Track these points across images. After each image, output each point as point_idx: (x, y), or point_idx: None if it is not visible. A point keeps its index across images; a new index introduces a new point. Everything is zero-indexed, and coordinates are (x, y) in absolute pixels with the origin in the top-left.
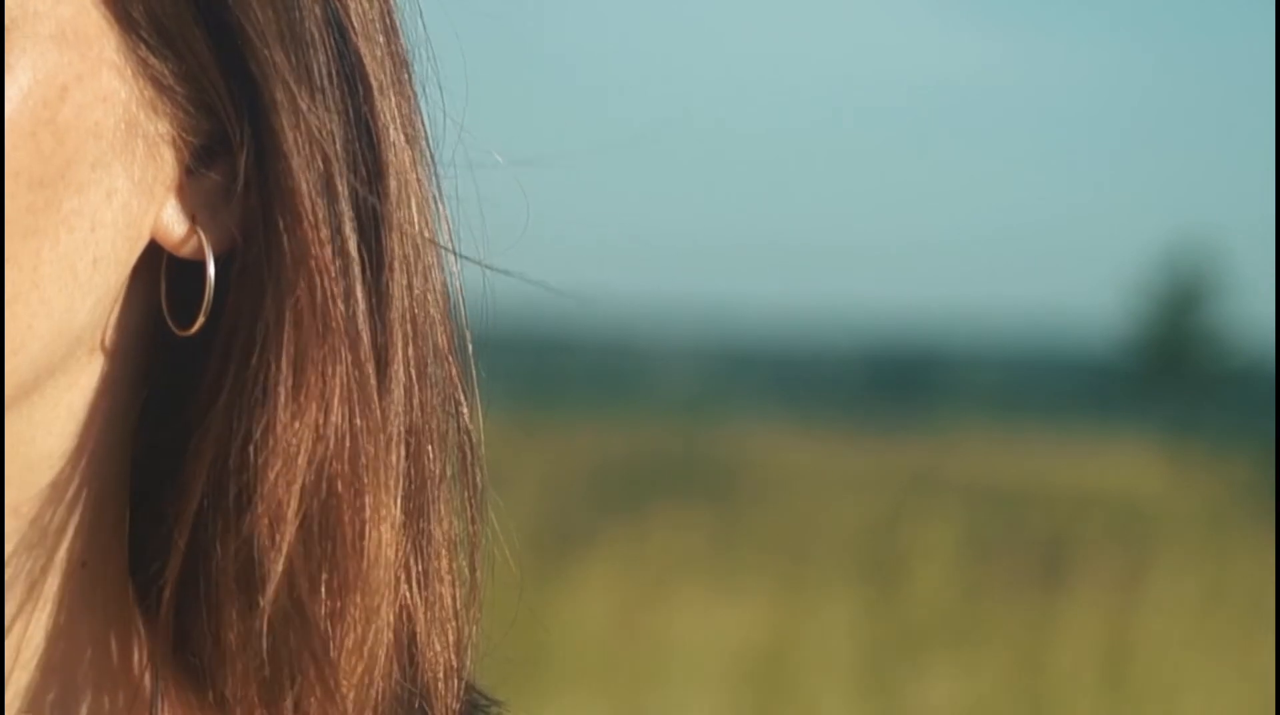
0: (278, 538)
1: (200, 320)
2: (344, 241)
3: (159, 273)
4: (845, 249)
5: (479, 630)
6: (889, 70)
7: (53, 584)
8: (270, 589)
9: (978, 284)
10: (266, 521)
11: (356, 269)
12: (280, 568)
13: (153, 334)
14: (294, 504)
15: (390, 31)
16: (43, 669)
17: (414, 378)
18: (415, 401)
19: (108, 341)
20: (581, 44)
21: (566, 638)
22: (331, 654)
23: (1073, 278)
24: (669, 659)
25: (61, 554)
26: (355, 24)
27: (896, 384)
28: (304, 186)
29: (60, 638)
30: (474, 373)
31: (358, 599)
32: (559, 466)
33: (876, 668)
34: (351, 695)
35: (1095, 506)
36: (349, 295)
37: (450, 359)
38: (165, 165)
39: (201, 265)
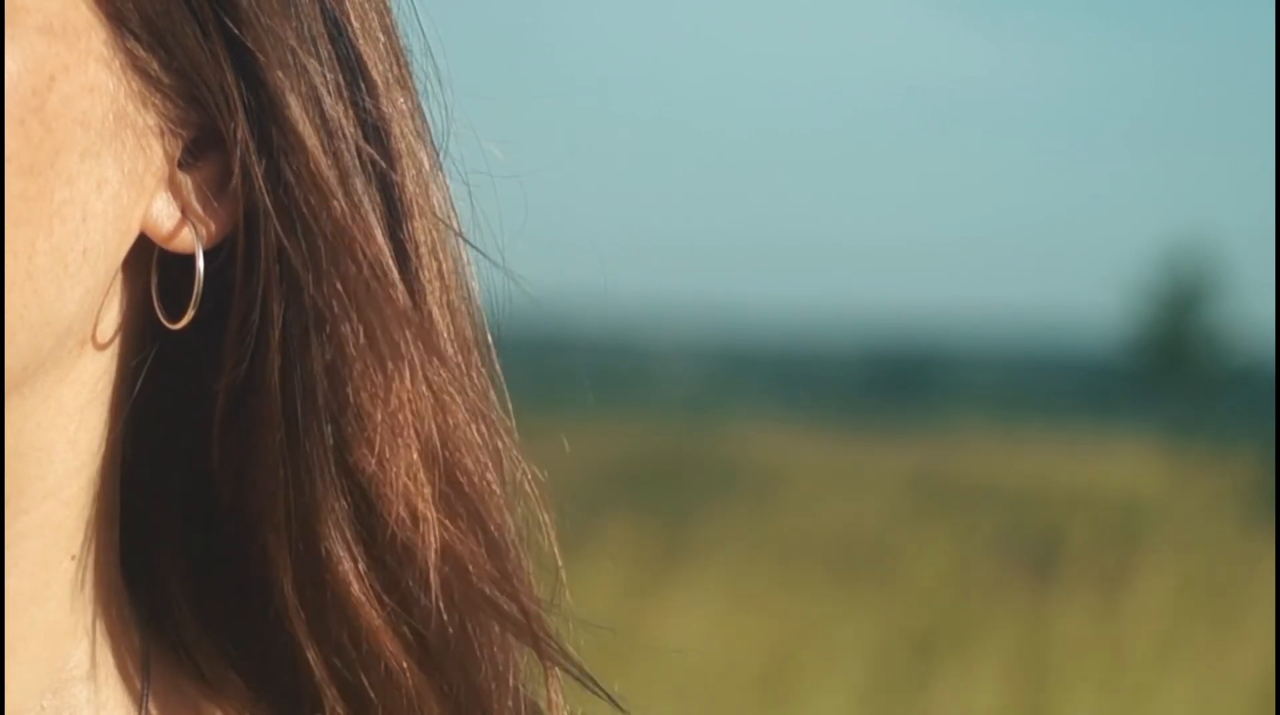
0: (422, 510)
1: (190, 313)
2: (371, 228)
3: (150, 267)
4: (846, 249)
5: None
6: (890, 71)
7: (42, 577)
8: (434, 568)
9: (978, 284)
10: (404, 502)
11: (389, 254)
12: (438, 544)
13: (145, 328)
14: (423, 479)
15: (389, 31)
16: (33, 661)
17: (461, 362)
18: (468, 383)
19: (98, 335)
20: (581, 43)
21: (565, 639)
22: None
23: (1073, 278)
24: (669, 660)
25: (51, 547)
26: (354, 23)
27: (897, 384)
28: (326, 172)
29: (50, 631)
30: (495, 365)
31: (515, 561)
32: (558, 466)
33: (876, 667)
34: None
35: (1095, 506)
36: (404, 272)
37: (476, 351)
38: (155, 158)
39: (192, 259)
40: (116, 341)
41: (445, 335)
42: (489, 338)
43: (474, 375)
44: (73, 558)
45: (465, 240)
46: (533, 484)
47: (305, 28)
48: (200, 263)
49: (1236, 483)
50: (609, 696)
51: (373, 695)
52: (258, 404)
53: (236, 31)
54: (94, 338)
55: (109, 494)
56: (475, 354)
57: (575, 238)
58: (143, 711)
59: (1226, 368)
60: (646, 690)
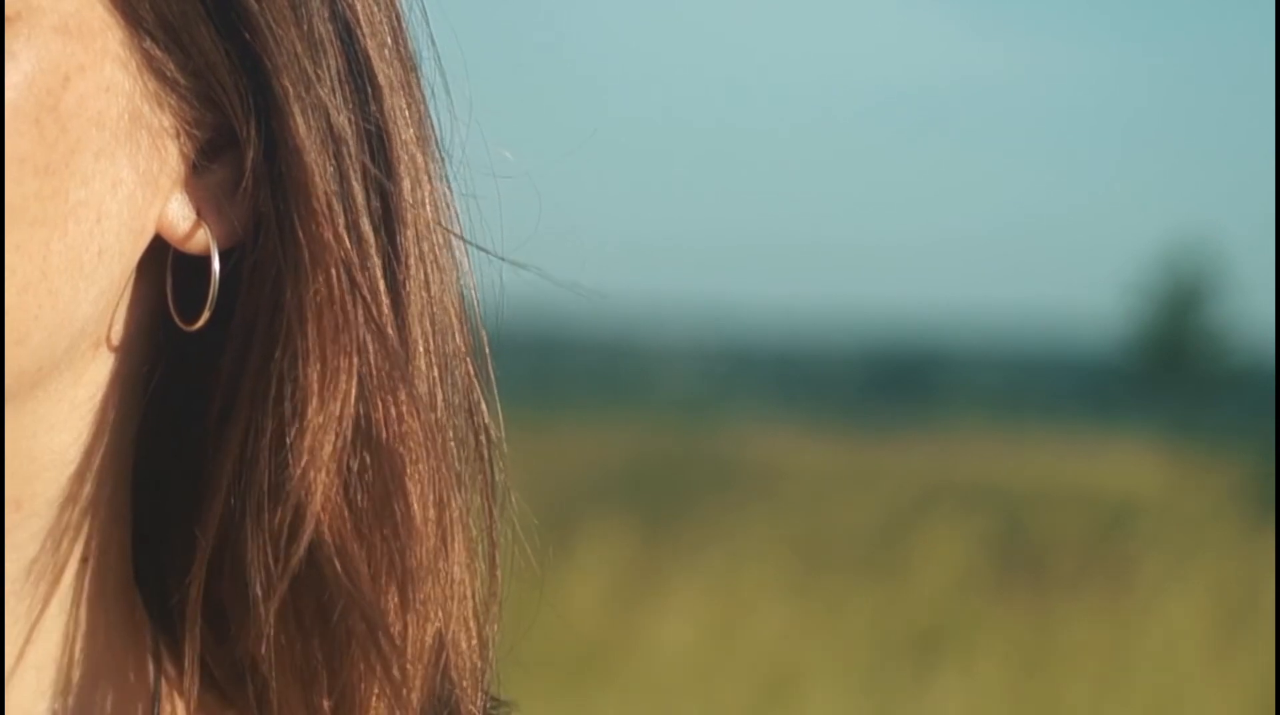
0: (327, 529)
1: (205, 315)
2: (361, 236)
3: (164, 268)
4: (846, 248)
5: (498, 629)
6: (890, 70)
7: (54, 579)
8: (332, 584)
9: (978, 284)
10: (309, 513)
11: (377, 264)
12: (336, 562)
13: (158, 330)
14: (335, 495)
15: (398, 33)
16: (44, 664)
17: (436, 376)
18: (439, 399)
19: (112, 337)
20: (581, 43)
21: (568, 639)
22: (402, 647)
23: (1073, 278)
24: (671, 659)
25: (63, 549)
26: (364, 25)
27: (897, 384)
28: (318, 180)
29: (62, 633)
30: (489, 374)
31: (424, 588)
32: (559, 467)
33: (877, 666)
34: (416, 693)
35: (1095, 506)
36: (373, 289)
37: (467, 359)
38: (170, 159)
39: (207, 260)
40: (130, 343)
41: (422, 348)
42: (484, 347)
43: (447, 390)
44: (84, 560)
45: (467, 242)
46: (512, 501)
47: (313, 31)
48: (215, 264)
49: (1236, 483)
50: None
51: (253, 700)
52: (236, 409)
53: (246, 36)
54: (108, 339)
55: (121, 496)
56: (461, 366)
57: (575, 238)
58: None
59: (1226, 368)
60: (646, 688)
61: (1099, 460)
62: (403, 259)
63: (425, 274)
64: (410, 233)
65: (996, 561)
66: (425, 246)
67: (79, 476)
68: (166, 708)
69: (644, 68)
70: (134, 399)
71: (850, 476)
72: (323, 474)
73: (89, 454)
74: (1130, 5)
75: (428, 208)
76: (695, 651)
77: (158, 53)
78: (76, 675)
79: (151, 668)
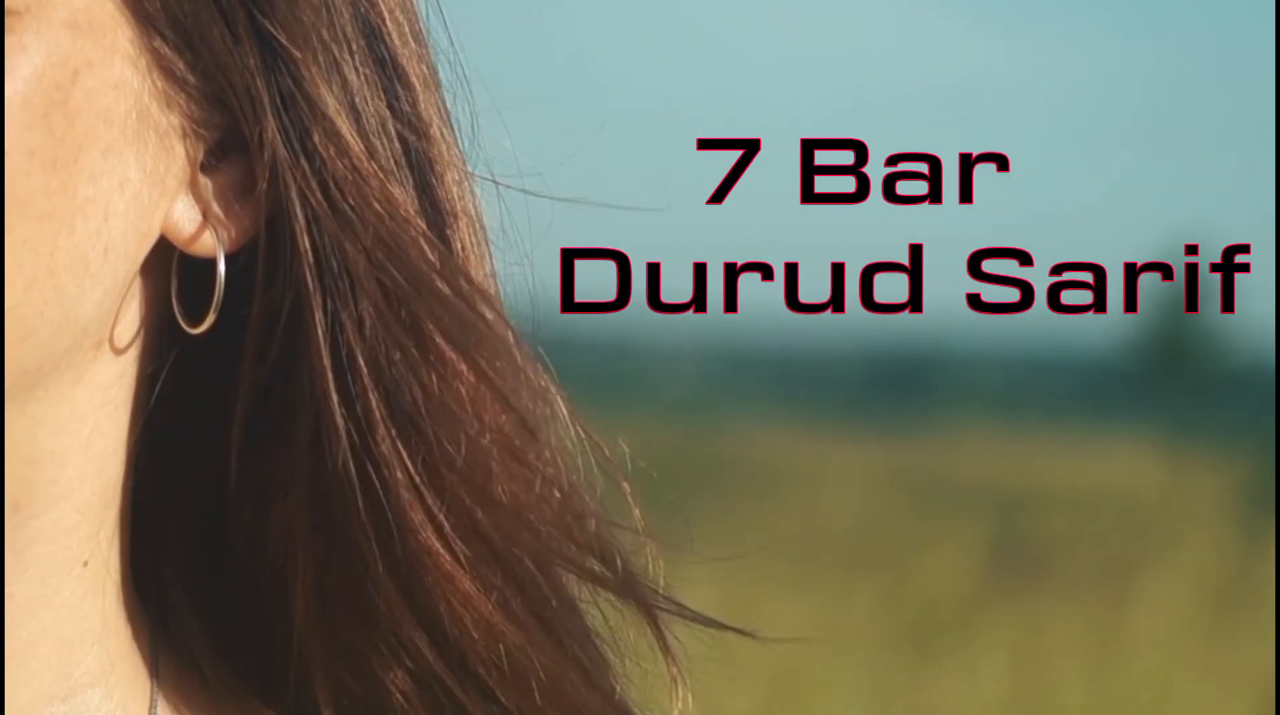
0: (513, 495)
1: (210, 318)
2: (421, 224)
3: (169, 270)
4: (846, 248)
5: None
6: (890, 69)
7: (53, 583)
8: (530, 552)
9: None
10: (495, 490)
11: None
12: (533, 528)
13: (162, 333)
14: (509, 463)
15: (419, 37)
16: (43, 667)
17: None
18: (528, 366)
19: (115, 338)
20: (581, 42)
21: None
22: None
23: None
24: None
25: (63, 552)
26: (389, 26)
27: (897, 383)
28: (373, 169)
29: (62, 637)
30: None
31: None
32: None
33: (876, 666)
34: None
35: (1095, 506)
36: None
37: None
38: (177, 159)
39: (212, 263)
40: (134, 345)
41: (501, 337)
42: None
43: (531, 362)
44: (85, 563)
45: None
46: (604, 455)
47: (340, 30)
48: (222, 267)
49: (1236, 483)
50: (738, 629)
51: (491, 684)
52: (297, 415)
53: (270, 29)
54: (111, 340)
55: (123, 500)
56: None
57: (575, 237)
58: None
59: (1226, 368)
60: (645, 689)
61: (1099, 460)
62: (459, 253)
63: (480, 266)
64: (462, 224)
65: (996, 561)
66: (480, 246)
67: (79, 479)
68: (165, 710)
69: (644, 67)
70: (137, 402)
71: (850, 475)
72: (496, 456)
73: (89, 457)
74: (1131, 5)
75: (470, 201)
76: (694, 651)
77: (167, 51)
78: (76, 678)
79: (152, 669)
